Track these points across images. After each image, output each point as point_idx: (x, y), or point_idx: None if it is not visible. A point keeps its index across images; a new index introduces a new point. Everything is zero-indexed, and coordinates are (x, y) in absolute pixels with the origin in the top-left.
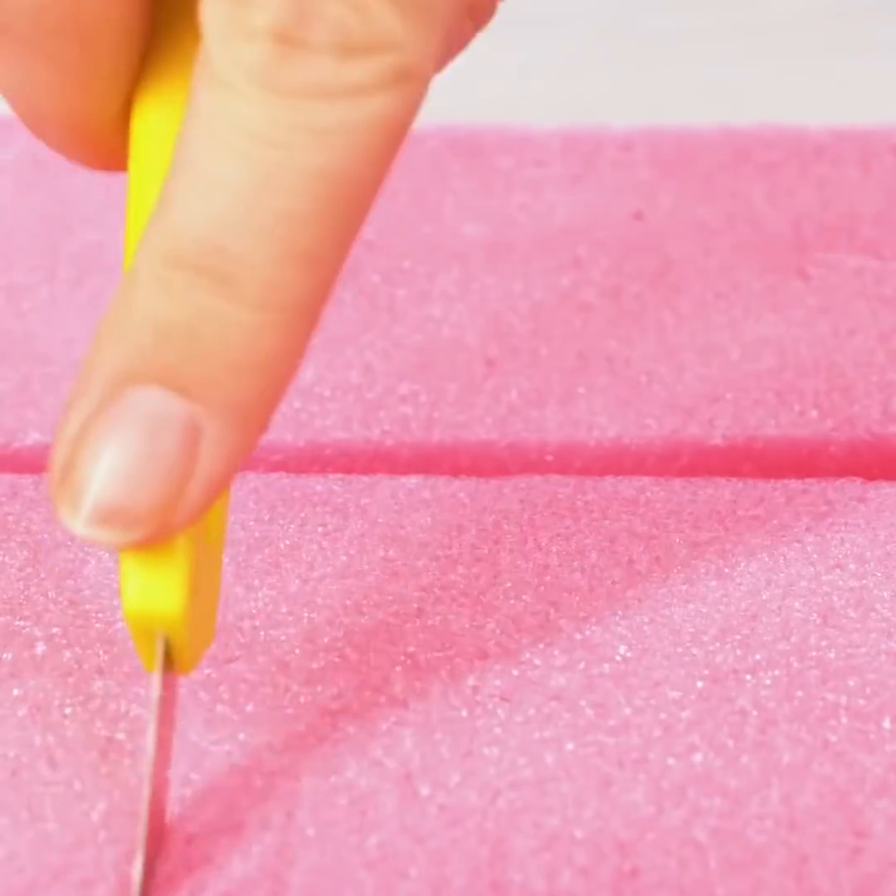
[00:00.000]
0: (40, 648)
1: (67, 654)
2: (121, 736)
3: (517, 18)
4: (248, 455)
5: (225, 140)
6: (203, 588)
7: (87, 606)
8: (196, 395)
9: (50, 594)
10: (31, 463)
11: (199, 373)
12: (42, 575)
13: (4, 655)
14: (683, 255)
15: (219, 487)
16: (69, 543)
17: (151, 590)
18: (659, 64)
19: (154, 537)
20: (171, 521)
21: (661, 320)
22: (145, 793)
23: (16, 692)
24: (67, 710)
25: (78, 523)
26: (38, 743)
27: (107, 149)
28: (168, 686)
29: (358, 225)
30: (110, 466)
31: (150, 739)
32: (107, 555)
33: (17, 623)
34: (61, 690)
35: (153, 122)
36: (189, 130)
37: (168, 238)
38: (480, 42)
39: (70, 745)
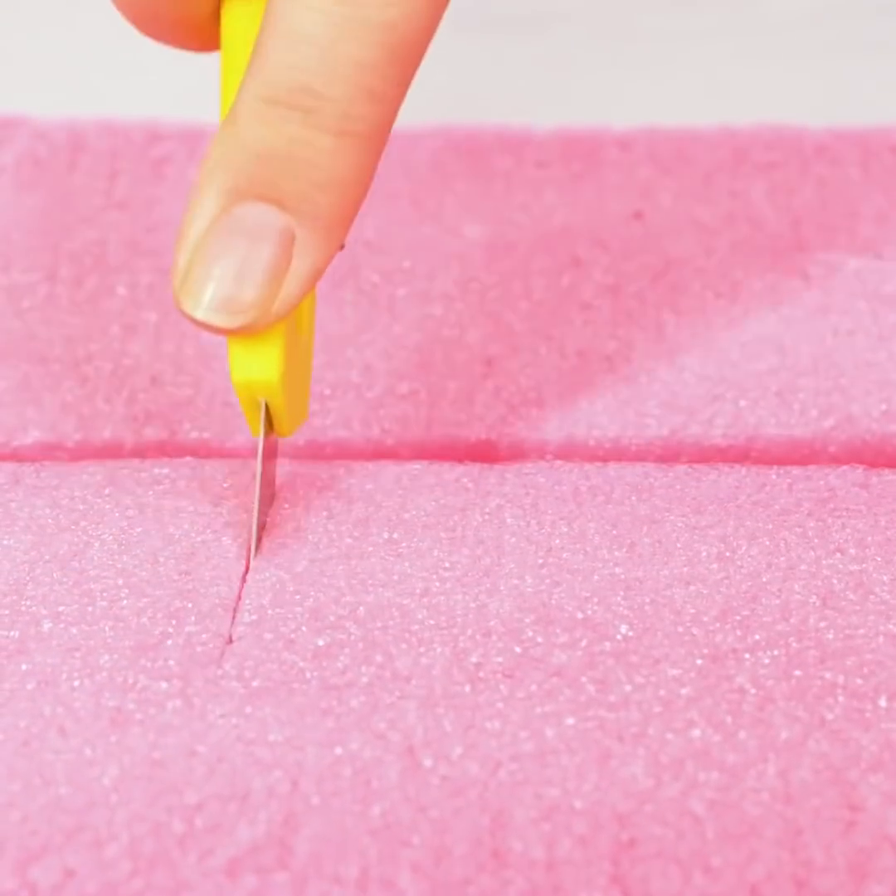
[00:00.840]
0: (47, 626)
1: (74, 630)
2: (131, 706)
3: (519, 17)
4: (329, 260)
5: (305, 1)
6: (296, 368)
7: (92, 585)
8: (290, 208)
9: (55, 575)
10: (30, 459)
11: (292, 189)
12: (47, 557)
13: (11, 633)
14: (683, 255)
15: (308, 285)
16: (73, 527)
17: (254, 364)
18: (659, 64)
19: (258, 324)
20: (271, 310)
21: (660, 319)
22: (252, 542)
23: (24, 667)
24: (75, 683)
25: (199, 313)
26: (48, 714)
27: (205, 35)
28: (269, 447)
29: (414, 70)
30: (223, 268)
31: (256, 492)
32: (110, 535)
33: (23, 603)
34: (69, 664)
35: (238, 10)
36: None
37: (264, 82)
38: (482, 41)
39: (79, 716)
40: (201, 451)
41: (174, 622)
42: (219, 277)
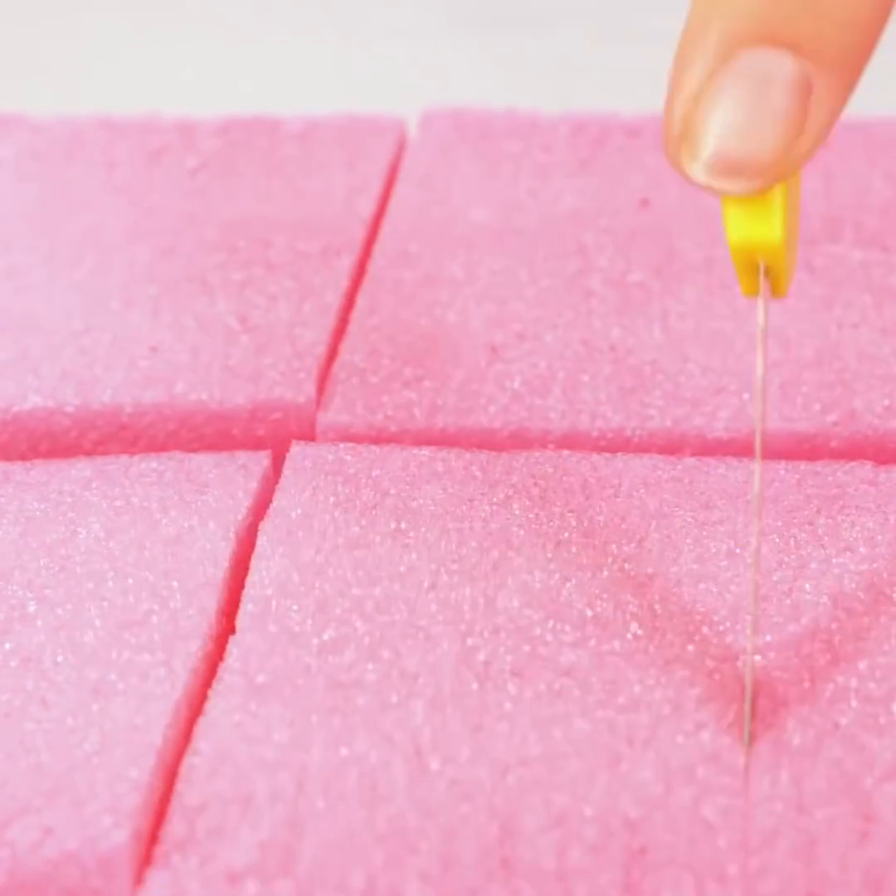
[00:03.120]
0: (32, 608)
1: (59, 611)
2: (113, 677)
3: (525, 16)
4: (844, 107)
5: None
6: (791, 223)
7: (78, 570)
8: (807, 52)
9: (42, 561)
10: (31, 426)
11: (811, 30)
12: (34, 545)
13: None
14: (689, 244)
15: (823, 139)
16: (61, 518)
17: (754, 224)
18: (666, 61)
19: (764, 186)
20: (780, 171)
21: (665, 309)
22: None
23: (7, 646)
24: (59, 659)
25: (699, 173)
26: (30, 687)
27: None
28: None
29: None
30: (726, 122)
31: (760, 359)
32: (97, 523)
33: (9, 588)
34: (52, 642)
35: None
36: None
37: None
38: (486, 39)
39: (61, 688)
40: (200, 414)
41: (159, 600)
42: (720, 135)
